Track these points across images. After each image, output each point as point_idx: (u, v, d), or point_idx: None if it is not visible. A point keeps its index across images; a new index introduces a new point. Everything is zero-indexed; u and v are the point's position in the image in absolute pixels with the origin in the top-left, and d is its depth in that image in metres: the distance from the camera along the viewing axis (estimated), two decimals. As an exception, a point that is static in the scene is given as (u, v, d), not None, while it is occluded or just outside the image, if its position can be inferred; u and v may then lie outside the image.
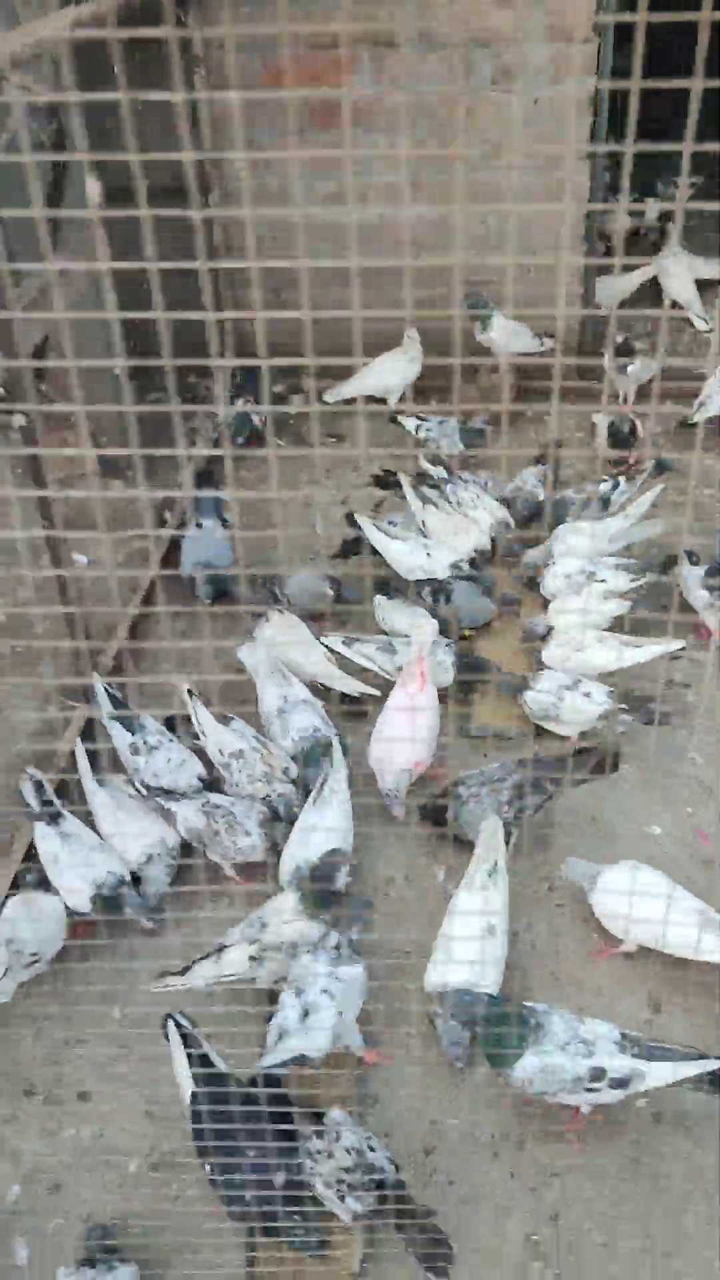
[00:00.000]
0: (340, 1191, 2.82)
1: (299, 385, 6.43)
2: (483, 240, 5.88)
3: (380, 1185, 2.81)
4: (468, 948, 3.23)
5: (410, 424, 5.54)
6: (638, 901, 3.29)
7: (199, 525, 5.08)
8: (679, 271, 6.56)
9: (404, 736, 3.92)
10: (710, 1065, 2.97)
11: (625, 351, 5.87)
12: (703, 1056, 3.00)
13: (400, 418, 5.60)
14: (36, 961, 3.44)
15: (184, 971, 3.36)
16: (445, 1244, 2.78)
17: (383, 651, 4.37)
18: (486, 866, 3.51)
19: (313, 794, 3.71)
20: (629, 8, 5.39)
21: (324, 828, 3.56)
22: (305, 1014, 3.03)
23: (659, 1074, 2.96)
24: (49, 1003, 3.52)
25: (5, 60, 3.44)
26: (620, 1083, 2.95)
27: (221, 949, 3.36)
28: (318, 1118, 2.92)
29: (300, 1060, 3.00)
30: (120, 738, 3.98)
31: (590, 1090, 2.96)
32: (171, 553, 5.16)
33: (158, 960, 3.58)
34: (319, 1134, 2.88)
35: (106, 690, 4.13)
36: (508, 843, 3.59)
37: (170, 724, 4.14)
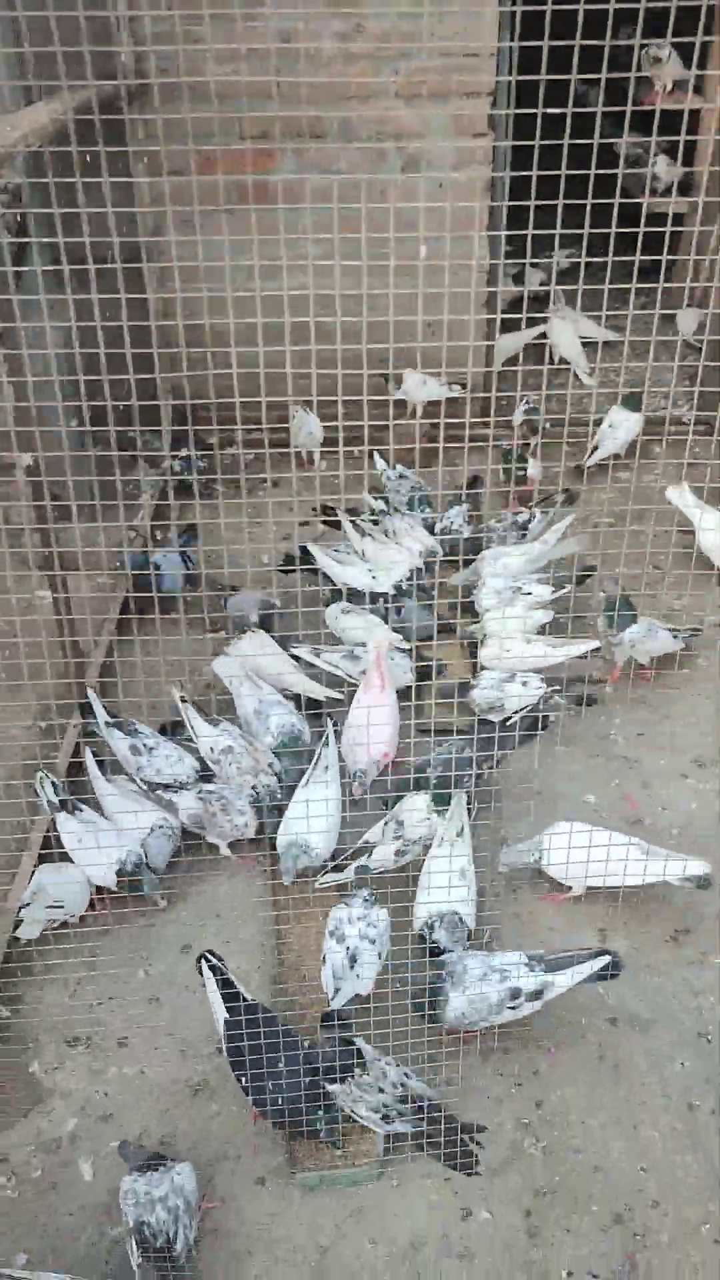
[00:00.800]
0: (388, 1116, 3.31)
1: (232, 438, 7.03)
2: (397, 305, 6.61)
3: (421, 1110, 3.28)
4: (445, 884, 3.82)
5: (380, 464, 6.21)
6: (579, 851, 3.91)
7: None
8: (565, 330, 7.43)
9: (375, 733, 4.50)
10: (601, 961, 3.59)
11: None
12: (601, 953, 3.61)
13: (376, 454, 6.29)
14: (60, 908, 3.93)
15: (339, 869, 4.04)
16: (474, 1156, 3.27)
17: (347, 659, 4.96)
18: (455, 828, 4.10)
19: (309, 771, 4.25)
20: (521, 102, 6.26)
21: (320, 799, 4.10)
22: (353, 960, 3.58)
23: (564, 980, 3.56)
24: (79, 969, 3.96)
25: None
26: (535, 995, 3.55)
27: (370, 847, 4.06)
28: (362, 1064, 3.40)
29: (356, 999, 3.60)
30: (120, 743, 4.45)
31: (512, 1009, 3.56)
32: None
33: (174, 928, 4.08)
34: (363, 1068, 3.37)
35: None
36: (470, 811, 4.21)
37: (163, 730, 4.64)
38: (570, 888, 4.17)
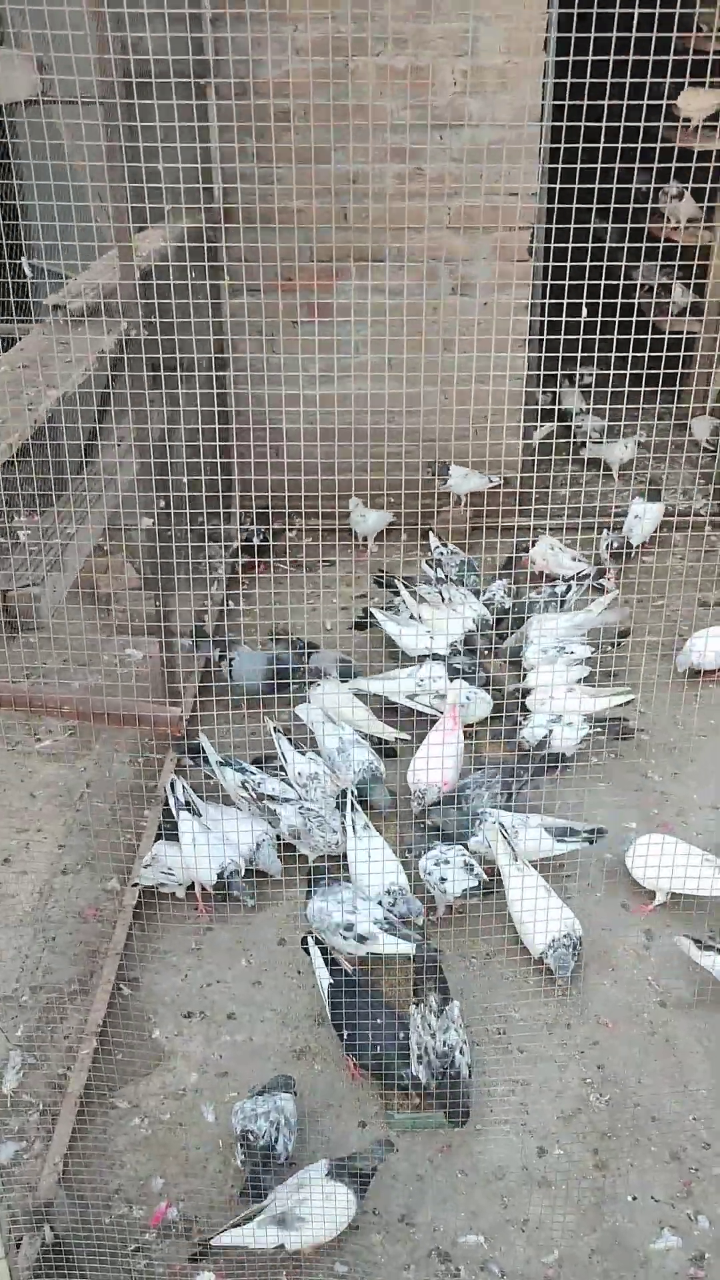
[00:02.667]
0: (422, 1059, 3.85)
1: (293, 520, 7.82)
2: (444, 410, 7.46)
3: (444, 1075, 3.78)
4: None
5: (434, 541, 6.99)
6: (664, 859, 4.51)
7: (235, 656, 5.96)
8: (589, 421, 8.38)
9: (436, 763, 5.13)
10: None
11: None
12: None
13: (431, 533, 7.10)
14: (171, 875, 4.56)
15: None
16: (465, 1110, 3.77)
17: (439, 700, 5.59)
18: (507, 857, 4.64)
19: (352, 833, 4.76)
20: (557, 233, 7.19)
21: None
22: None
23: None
24: (187, 957, 4.51)
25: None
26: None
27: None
28: (446, 1000, 3.96)
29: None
30: (232, 779, 5.05)
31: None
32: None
33: (269, 926, 4.63)
34: (439, 1014, 3.92)
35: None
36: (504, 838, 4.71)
37: (255, 762, 5.25)
38: (654, 895, 4.72)
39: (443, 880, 4.52)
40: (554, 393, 8.77)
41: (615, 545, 7.17)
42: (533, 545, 7.03)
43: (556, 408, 8.69)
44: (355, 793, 5.01)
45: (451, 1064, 3.82)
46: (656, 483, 7.73)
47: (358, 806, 4.81)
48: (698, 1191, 3.65)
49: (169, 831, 4.76)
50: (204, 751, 5.12)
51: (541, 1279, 3.44)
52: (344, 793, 4.91)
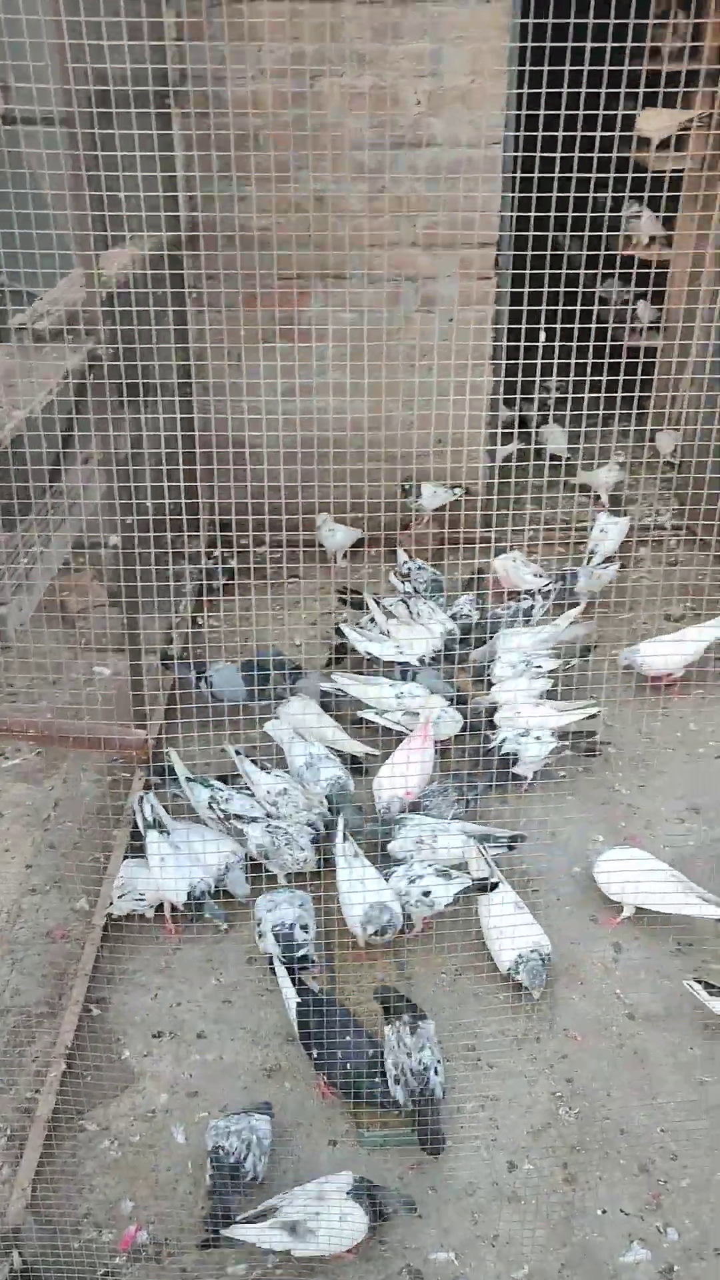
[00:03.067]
0: (397, 1079, 3.85)
1: (262, 538, 7.82)
2: (409, 424, 7.50)
3: (418, 1095, 3.79)
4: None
5: (401, 556, 7.04)
6: (630, 874, 4.55)
7: (214, 675, 5.89)
8: (556, 435, 8.44)
9: (403, 774, 5.15)
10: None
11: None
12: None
13: (399, 549, 7.14)
14: (142, 900, 4.56)
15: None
16: (440, 1138, 3.79)
17: (408, 716, 5.62)
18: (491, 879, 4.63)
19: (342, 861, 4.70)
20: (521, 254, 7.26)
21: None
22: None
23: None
24: (156, 976, 4.49)
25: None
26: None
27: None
28: (419, 1018, 3.97)
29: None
30: (200, 795, 5.04)
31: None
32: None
33: (238, 946, 4.62)
34: (413, 1031, 3.93)
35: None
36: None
37: (222, 779, 5.24)
38: (621, 908, 4.75)
39: (426, 894, 4.53)
40: (536, 432, 8.82)
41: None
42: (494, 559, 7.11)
43: (515, 431, 8.73)
44: (327, 807, 5.04)
45: (426, 1083, 3.83)
46: (629, 500, 7.83)
47: (349, 835, 4.75)
48: (666, 1204, 3.68)
49: (137, 853, 4.75)
50: (173, 769, 5.12)
51: (512, 1295, 3.45)
52: (333, 822, 4.87)
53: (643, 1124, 3.93)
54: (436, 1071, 3.88)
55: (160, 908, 4.67)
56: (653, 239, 8.52)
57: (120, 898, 4.58)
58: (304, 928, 4.33)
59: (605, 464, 8.00)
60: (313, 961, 4.29)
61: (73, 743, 4.87)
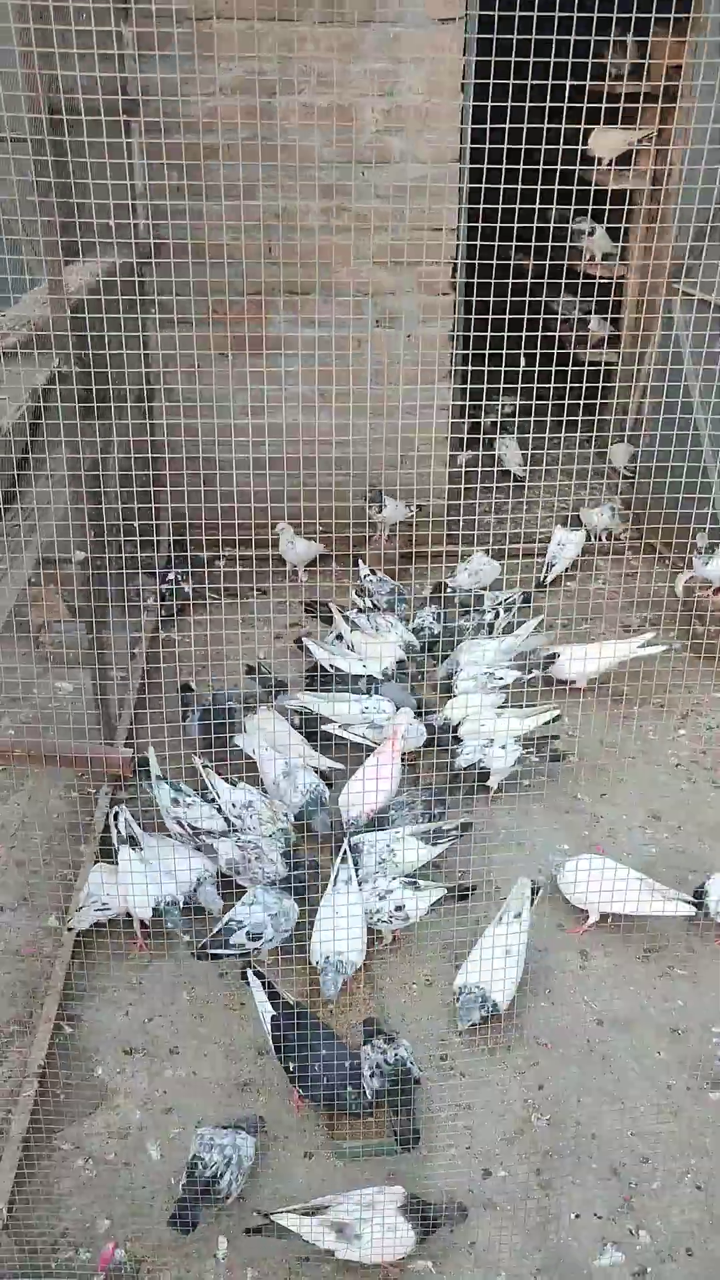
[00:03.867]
0: (373, 1074, 3.90)
1: (221, 550, 7.84)
2: (370, 438, 7.55)
3: (397, 1082, 3.86)
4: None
5: (364, 570, 7.09)
6: (594, 882, 4.61)
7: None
8: (510, 446, 8.57)
9: (369, 788, 5.20)
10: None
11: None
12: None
13: (361, 562, 7.20)
14: (107, 909, 4.54)
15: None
16: (416, 1133, 3.85)
17: (371, 729, 5.66)
18: (514, 911, 4.58)
19: (330, 884, 4.64)
20: (473, 272, 7.36)
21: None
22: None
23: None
24: (128, 994, 4.49)
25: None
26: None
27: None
28: (390, 1040, 4.02)
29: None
30: (165, 795, 5.06)
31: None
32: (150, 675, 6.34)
33: (209, 961, 4.61)
34: (389, 1041, 3.98)
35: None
36: (533, 896, 4.67)
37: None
38: (587, 915, 4.81)
39: (400, 909, 4.56)
40: (494, 444, 8.92)
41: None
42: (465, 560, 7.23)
43: (466, 437, 8.80)
44: (302, 812, 5.09)
45: (405, 1069, 3.89)
46: (576, 511, 7.96)
47: (349, 858, 4.71)
48: (638, 1206, 3.74)
49: (106, 858, 4.75)
50: (147, 766, 5.16)
51: (489, 1301, 3.49)
52: (344, 841, 4.84)
53: (613, 1128, 3.99)
54: (411, 1064, 3.93)
55: (129, 918, 4.66)
56: (607, 256, 8.67)
57: (80, 910, 4.56)
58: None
59: (599, 507, 8.02)
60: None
61: (59, 762, 4.84)
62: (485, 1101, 4.07)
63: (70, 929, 4.60)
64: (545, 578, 7.41)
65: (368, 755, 5.48)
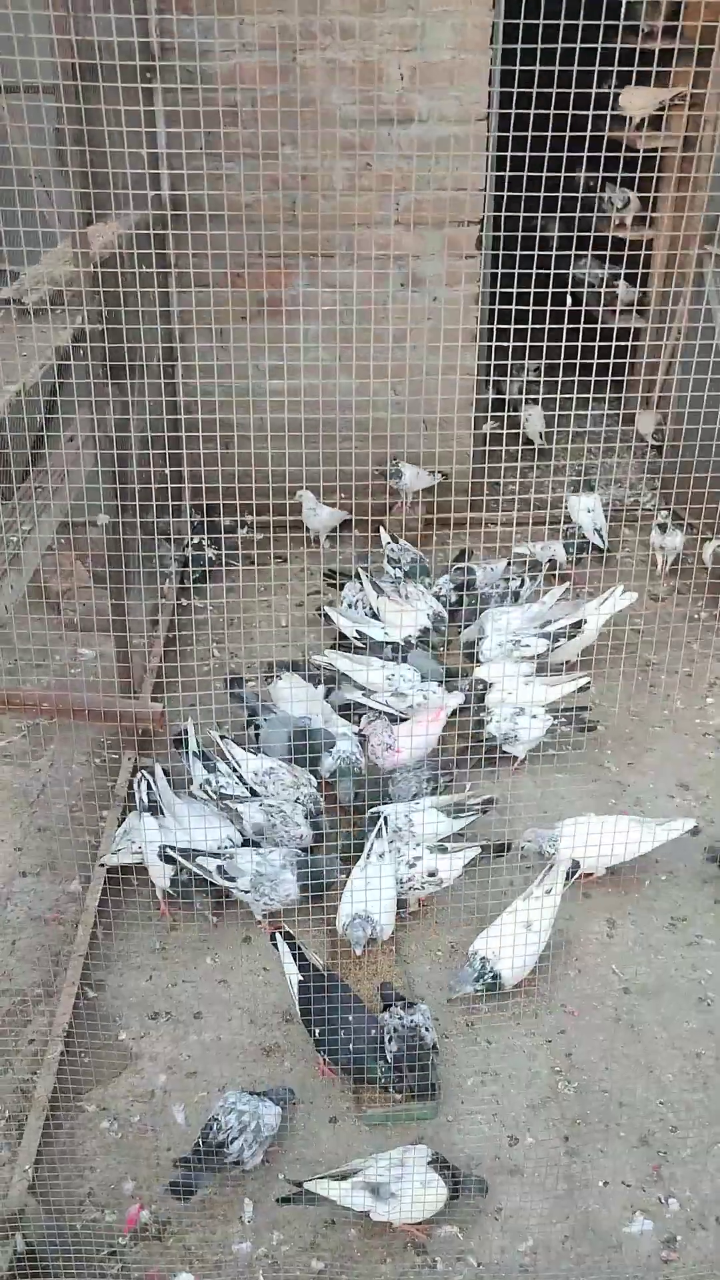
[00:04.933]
0: (390, 1039, 3.87)
1: (244, 517, 7.77)
2: (394, 403, 7.46)
3: (413, 1047, 3.83)
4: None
5: (385, 538, 7.02)
6: (593, 839, 4.54)
7: (265, 720, 5.42)
8: (534, 415, 8.45)
9: (405, 743, 5.21)
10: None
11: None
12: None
13: (383, 530, 7.11)
14: (140, 854, 4.56)
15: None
16: (433, 1086, 3.86)
17: (395, 697, 5.61)
18: (546, 886, 4.45)
19: (365, 855, 4.58)
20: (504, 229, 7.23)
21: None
22: None
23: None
24: (151, 958, 4.47)
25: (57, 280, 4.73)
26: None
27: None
28: (409, 1006, 3.98)
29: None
30: (199, 772, 5.03)
31: None
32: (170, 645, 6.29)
33: (234, 925, 4.60)
34: (407, 1008, 3.95)
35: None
36: (569, 877, 4.51)
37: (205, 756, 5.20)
38: (590, 872, 4.75)
39: (433, 874, 4.55)
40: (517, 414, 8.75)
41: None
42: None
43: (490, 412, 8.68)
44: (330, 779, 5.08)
45: (417, 1036, 3.86)
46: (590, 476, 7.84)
47: (383, 833, 4.63)
48: (667, 1175, 3.71)
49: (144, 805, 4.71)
50: (185, 740, 5.14)
51: (517, 1268, 3.47)
52: (378, 815, 4.77)
53: (641, 1097, 3.95)
54: (428, 1030, 3.91)
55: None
56: (638, 218, 8.52)
57: (116, 852, 4.61)
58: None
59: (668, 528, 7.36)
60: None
61: (88, 716, 4.79)
62: (512, 1069, 4.04)
63: (103, 864, 4.65)
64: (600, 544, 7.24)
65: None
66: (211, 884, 4.54)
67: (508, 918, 4.31)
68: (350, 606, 6.49)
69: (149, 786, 4.70)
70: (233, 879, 4.43)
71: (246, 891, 4.45)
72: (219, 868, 4.44)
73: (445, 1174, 3.46)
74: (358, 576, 6.54)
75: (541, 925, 4.29)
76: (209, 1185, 3.60)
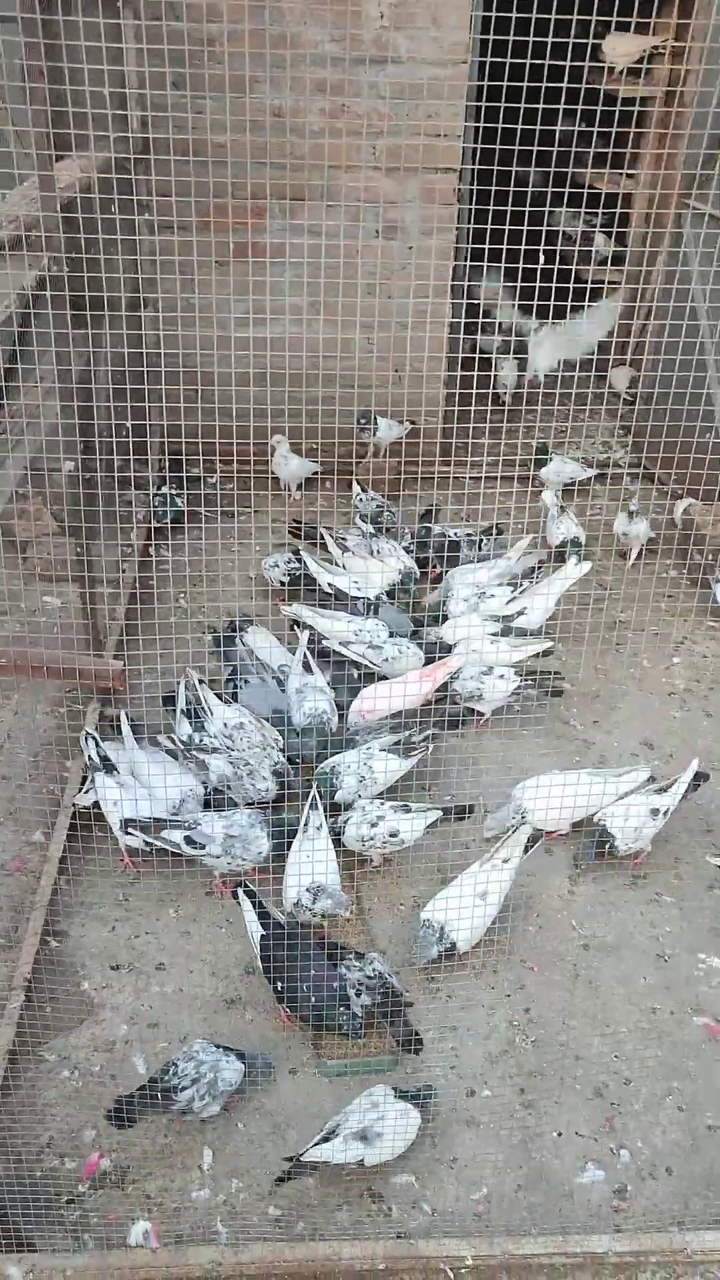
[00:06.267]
0: (359, 991, 3.91)
1: (214, 466, 7.68)
2: (368, 353, 7.36)
3: (387, 994, 3.90)
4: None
5: (356, 490, 6.97)
6: (553, 799, 4.57)
7: (245, 680, 5.41)
8: (508, 367, 8.39)
9: (380, 701, 5.20)
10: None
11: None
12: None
13: (356, 483, 7.05)
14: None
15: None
16: (418, 1036, 3.93)
17: (370, 650, 5.58)
18: (502, 856, 4.46)
19: (300, 830, 4.48)
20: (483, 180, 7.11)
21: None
22: None
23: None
24: (114, 909, 4.47)
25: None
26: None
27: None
28: (360, 956, 4.02)
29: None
30: (184, 729, 5.03)
31: None
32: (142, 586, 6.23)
33: (196, 878, 4.60)
34: (360, 957, 3.99)
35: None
36: (529, 845, 4.50)
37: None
38: (553, 830, 4.79)
39: (394, 834, 4.57)
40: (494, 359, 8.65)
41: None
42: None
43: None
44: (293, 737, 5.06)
45: (385, 984, 3.92)
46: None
47: (319, 804, 4.56)
48: (619, 1126, 3.78)
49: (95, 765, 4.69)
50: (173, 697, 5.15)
51: (470, 1215, 3.53)
52: (311, 785, 4.74)
53: (598, 1050, 4.02)
54: (392, 976, 3.97)
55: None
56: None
57: (86, 791, 4.62)
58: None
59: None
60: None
61: (47, 673, 4.74)
62: (471, 1023, 4.09)
63: (75, 804, 4.68)
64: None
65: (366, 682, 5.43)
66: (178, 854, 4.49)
67: (465, 882, 4.33)
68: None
69: (97, 744, 4.66)
70: (201, 846, 4.40)
71: (217, 857, 4.42)
72: (186, 838, 4.41)
73: (409, 1099, 3.59)
74: (321, 538, 6.48)
75: (498, 896, 4.30)
76: (147, 1118, 3.65)
